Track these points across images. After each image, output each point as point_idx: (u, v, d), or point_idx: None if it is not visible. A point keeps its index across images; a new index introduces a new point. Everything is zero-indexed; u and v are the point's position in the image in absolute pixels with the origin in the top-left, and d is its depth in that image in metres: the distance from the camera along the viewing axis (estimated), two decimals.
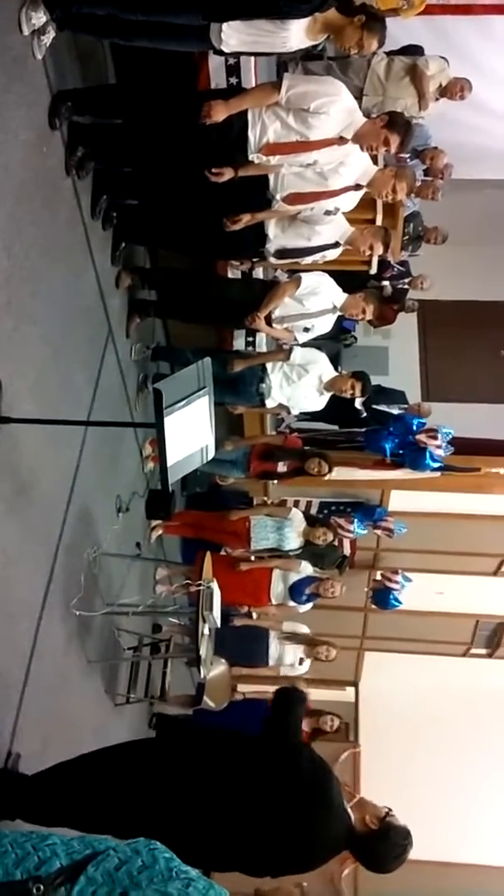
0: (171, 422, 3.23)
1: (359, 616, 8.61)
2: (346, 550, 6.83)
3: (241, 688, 6.45)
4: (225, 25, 3.42)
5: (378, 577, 7.49)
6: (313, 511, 7.07)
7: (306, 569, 5.87)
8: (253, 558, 5.97)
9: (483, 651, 9.36)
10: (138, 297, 5.22)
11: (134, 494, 5.18)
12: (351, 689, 9.58)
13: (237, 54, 3.91)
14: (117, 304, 4.96)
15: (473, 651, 9.33)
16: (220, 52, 3.60)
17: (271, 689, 6.74)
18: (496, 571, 8.31)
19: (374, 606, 7.71)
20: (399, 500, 7.33)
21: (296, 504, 6.76)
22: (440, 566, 8.05)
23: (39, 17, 3.34)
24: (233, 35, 3.44)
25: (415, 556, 7.81)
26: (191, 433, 3.45)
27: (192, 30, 3.46)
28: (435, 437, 6.09)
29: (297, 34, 3.49)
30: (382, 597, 7.25)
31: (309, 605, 5.98)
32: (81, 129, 3.84)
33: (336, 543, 6.28)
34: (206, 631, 4.62)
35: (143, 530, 5.75)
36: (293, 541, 5.90)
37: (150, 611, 5.15)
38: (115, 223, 4.55)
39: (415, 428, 6.22)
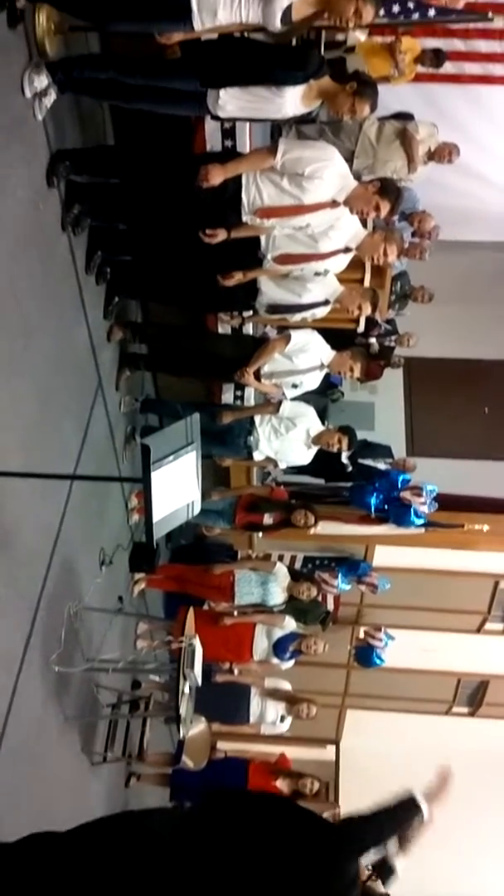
0: (158, 477, 3.23)
1: (341, 673, 8.51)
2: (330, 606, 6.79)
3: (222, 745, 6.33)
4: (222, 91, 3.51)
5: (361, 634, 7.42)
6: (297, 565, 7.04)
7: (290, 624, 5.82)
8: (236, 613, 5.91)
9: (465, 710, 9.26)
10: (129, 351, 5.25)
11: (118, 547, 5.14)
12: (332, 748, 9.42)
13: (233, 119, 3.99)
14: (108, 357, 4.99)
15: (455, 710, 9.23)
16: (217, 118, 3.68)
17: (252, 747, 6.71)
18: (479, 629, 8.28)
19: (356, 664, 7.62)
20: (383, 556, 7.31)
21: (280, 558, 6.73)
22: (423, 623, 8.01)
23: (42, 81, 3.42)
24: (230, 101, 3.53)
25: (398, 613, 7.77)
26: (177, 488, 3.44)
27: (190, 95, 3.55)
28: (419, 495, 6.10)
29: (292, 101, 3.58)
30: (365, 654, 7.17)
31: (292, 662, 5.91)
32: (78, 187, 3.90)
33: (320, 599, 6.24)
34: (187, 689, 4.54)
35: (125, 583, 5.69)
36: (277, 596, 5.85)
37: (131, 667, 5.06)
38: (109, 278, 4.60)
39: (400, 484, 6.23)
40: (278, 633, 5.77)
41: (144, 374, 5.63)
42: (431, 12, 5.56)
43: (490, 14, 5.43)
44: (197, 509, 3.57)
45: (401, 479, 6.26)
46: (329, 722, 8.95)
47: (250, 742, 6.82)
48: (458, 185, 6.89)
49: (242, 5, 3.09)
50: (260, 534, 6.40)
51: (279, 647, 5.76)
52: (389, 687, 8.65)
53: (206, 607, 6.00)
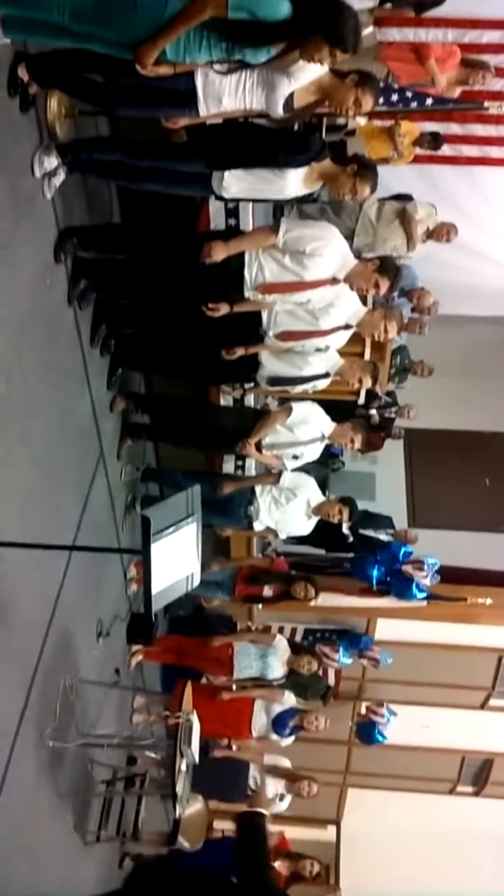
0: (157, 549, 3.21)
1: (342, 750, 8.32)
2: (331, 680, 6.69)
3: (219, 824, 6.14)
4: (227, 173, 3.63)
5: (363, 709, 7.29)
6: (298, 638, 6.95)
7: (289, 700, 5.71)
8: (235, 687, 5.81)
9: (469, 789, 9.02)
10: (131, 421, 5.30)
11: (115, 618, 5.09)
12: (332, 828, 9.14)
13: (237, 200, 4.11)
14: (110, 426, 5.03)
15: (460, 789, 8.99)
16: (221, 198, 3.79)
17: None
18: (483, 705, 8.12)
19: (358, 740, 7.46)
20: (385, 629, 7.23)
21: (280, 630, 6.64)
22: (426, 699, 7.87)
23: (51, 161, 3.54)
24: (234, 183, 3.64)
25: (400, 688, 7.64)
26: (177, 560, 3.43)
27: (195, 176, 3.66)
28: (421, 569, 6.08)
29: (294, 182, 3.70)
30: (367, 731, 7.03)
31: (291, 739, 5.79)
32: (85, 263, 4.00)
33: (321, 673, 6.15)
34: (184, 767, 4.44)
35: (122, 655, 5.61)
36: (277, 669, 5.77)
37: (126, 743, 4.96)
38: (113, 350, 4.67)
39: (401, 557, 6.21)
40: (278, 709, 5.66)
41: (146, 443, 5.67)
42: (429, 101, 5.79)
43: (485, 103, 5.67)
44: (196, 582, 3.54)
45: (402, 551, 6.24)
46: (330, 801, 8.71)
47: None
48: (456, 262, 7.04)
49: (246, 93, 3.22)
50: (260, 605, 6.34)
51: (279, 723, 5.65)
52: (392, 765, 8.44)
53: (204, 681, 5.89)
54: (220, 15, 2.85)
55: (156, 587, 3.28)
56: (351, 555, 6.74)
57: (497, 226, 7.25)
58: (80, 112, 3.83)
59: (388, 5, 5.37)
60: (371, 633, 7.22)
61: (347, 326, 4.49)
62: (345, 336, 4.59)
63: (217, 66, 3.06)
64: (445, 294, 6.79)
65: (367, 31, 5.24)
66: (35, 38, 3.18)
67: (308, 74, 3.19)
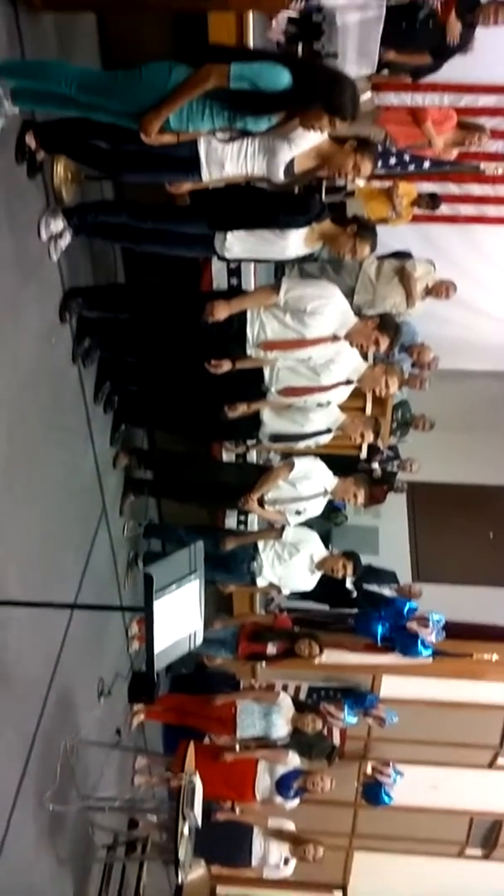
0: (160, 607, 3.20)
1: (348, 812, 8.11)
2: (336, 739, 6.56)
3: (222, 890, 5.99)
4: (229, 235, 3.71)
5: (369, 769, 7.14)
6: (302, 696, 6.85)
7: (294, 760, 5.60)
8: (238, 747, 5.70)
9: (478, 852, 8.76)
10: (134, 476, 5.31)
11: (117, 676, 5.04)
12: (339, 893, 8.86)
13: (240, 260, 4.19)
14: (113, 482, 5.04)
15: (469, 852, 8.73)
16: (224, 258, 3.87)
17: (255, 891, 6.33)
18: (491, 764, 7.94)
19: (364, 802, 7.30)
20: (390, 686, 7.12)
21: (284, 688, 6.54)
22: (433, 758, 7.70)
23: (58, 224, 3.62)
24: (236, 244, 3.72)
25: (406, 747, 7.48)
26: (179, 618, 3.40)
27: (198, 238, 3.74)
28: (426, 625, 6.02)
29: (295, 243, 3.78)
30: (373, 792, 6.88)
31: (296, 801, 5.66)
32: (90, 322, 4.06)
33: (325, 732, 6.05)
34: (186, 830, 4.34)
35: (124, 714, 5.53)
36: (281, 728, 5.67)
37: (128, 806, 4.86)
38: (116, 407, 4.71)
39: (406, 613, 6.15)
40: (282, 770, 5.54)
41: (148, 499, 5.67)
42: (426, 164, 5.93)
43: (481, 165, 5.80)
44: (199, 640, 3.52)
45: (407, 607, 6.19)
46: (336, 865, 8.46)
47: (252, 886, 6.44)
48: (455, 318, 7.12)
49: (248, 159, 3.30)
50: (263, 663, 6.26)
51: (283, 785, 5.53)
52: (399, 827, 8.22)
53: (206, 741, 5.79)
54: (222, 85, 2.95)
55: (158, 646, 3.26)
56: (355, 610, 6.67)
57: (495, 282, 7.36)
58: (86, 177, 3.93)
59: (386, 71, 5.53)
60: (376, 690, 7.11)
61: (348, 382, 4.53)
62: (346, 391, 4.63)
63: (219, 134, 3.15)
64: (445, 349, 6.84)
65: (366, 96, 5.40)
66: (43, 108, 3.28)
67: (308, 141, 3.28)
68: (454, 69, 5.60)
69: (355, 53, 4.91)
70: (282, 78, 2.96)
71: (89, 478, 4.60)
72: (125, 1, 3.50)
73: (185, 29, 3.94)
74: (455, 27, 5.08)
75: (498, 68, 5.88)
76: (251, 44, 4.00)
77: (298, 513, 5.07)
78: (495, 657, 7.00)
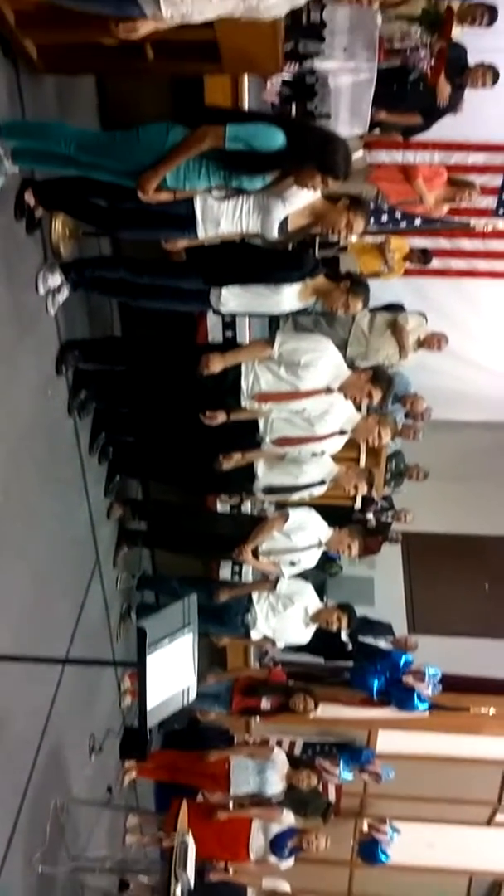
0: (153, 661, 3.16)
1: (344, 871, 7.91)
2: (332, 796, 6.45)
3: None
4: (224, 290, 3.76)
5: (365, 827, 6.99)
6: (297, 751, 6.74)
7: (288, 819, 5.48)
8: (232, 805, 5.58)
9: None
10: (128, 527, 5.29)
11: (109, 732, 4.95)
12: None
13: (235, 314, 4.24)
14: (107, 533, 5.03)
15: None
16: (219, 313, 3.92)
17: None
18: (489, 821, 7.79)
19: (360, 860, 7.13)
20: (386, 741, 7.01)
21: (278, 743, 6.45)
22: (430, 815, 7.55)
23: (55, 279, 3.67)
24: (231, 299, 3.77)
25: (403, 804, 7.35)
26: (173, 673, 3.37)
27: (194, 293, 3.80)
28: (422, 679, 5.96)
29: (289, 298, 3.83)
30: (370, 849, 6.72)
31: (291, 861, 5.52)
32: (85, 374, 4.09)
33: (321, 788, 5.93)
34: (179, 892, 4.22)
35: (115, 771, 5.41)
36: (275, 785, 5.56)
37: (119, 867, 4.73)
38: (111, 458, 4.72)
39: (402, 666, 6.09)
40: (276, 829, 5.41)
41: (142, 550, 5.64)
42: (418, 221, 6.05)
43: (471, 221, 5.92)
44: (192, 696, 3.47)
45: (403, 660, 6.13)
46: None
47: None
48: (447, 369, 7.19)
49: (243, 217, 3.37)
50: (257, 718, 6.17)
51: (277, 844, 5.40)
52: (396, 886, 8.00)
53: (199, 798, 5.67)
54: (217, 146, 3.02)
55: (151, 702, 3.21)
56: (350, 663, 6.61)
57: (486, 334, 7.44)
58: (84, 233, 3.99)
59: (377, 131, 5.67)
60: (372, 745, 7.01)
61: (342, 432, 4.55)
62: (340, 441, 4.65)
63: (215, 193, 3.22)
64: (438, 400, 6.91)
65: (358, 154, 5.52)
66: (43, 167, 3.35)
67: (302, 199, 3.36)
68: (444, 128, 5.74)
69: (347, 114, 5.04)
70: (276, 139, 3.04)
71: (83, 529, 4.59)
72: (124, 64, 3.59)
73: (182, 91, 4.06)
74: (445, 89, 5.22)
75: (487, 127, 6.03)
76: (246, 105, 4.11)
77: (293, 564, 5.04)
78: (492, 711, 6.92)
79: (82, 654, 4.39)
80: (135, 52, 3.33)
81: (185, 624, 3.39)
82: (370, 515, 6.95)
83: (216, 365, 3.92)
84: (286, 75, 4.80)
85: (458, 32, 5.19)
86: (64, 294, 3.73)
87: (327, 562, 7.23)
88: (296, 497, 4.91)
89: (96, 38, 3.14)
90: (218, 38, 3.25)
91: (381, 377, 4.15)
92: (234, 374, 4.06)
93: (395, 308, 6.33)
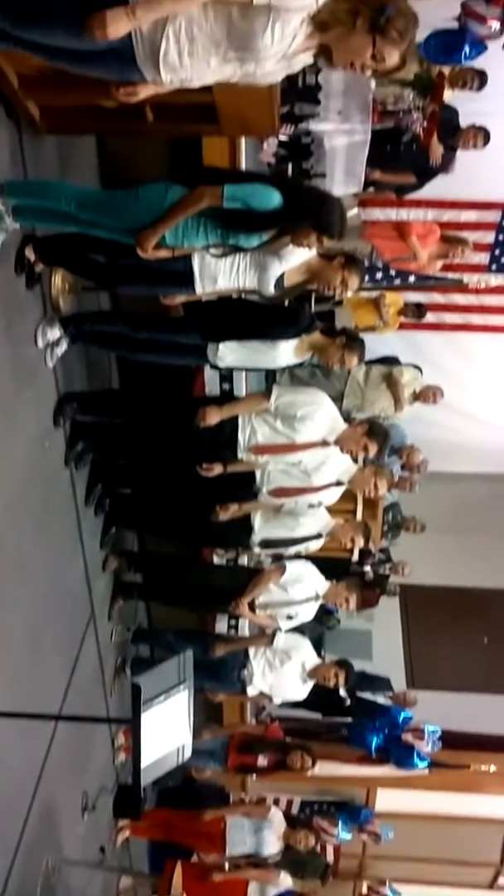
0: (148, 718, 3.12)
1: None
2: (330, 857, 6.30)
3: None
4: (221, 345, 3.81)
5: (364, 888, 6.81)
6: (294, 811, 6.62)
7: (285, 881, 5.33)
8: (227, 866, 5.44)
9: None
10: (123, 579, 5.26)
11: (102, 790, 4.85)
12: None
13: (232, 369, 4.29)
14: (102, 586, 4.99)
15: None
16: (216, 367, 3.96)
17: None
18: (492, 884, 7.59)
19: None
20: (385, 800, 6.88)
21: (275, 802, 6.33)
22: (431, 876, 7.36)
23: (54, 333, 3.72)
24: (228, 353, 3.82)
25: (403, 865, 7.17)
26: (168, 730, 3.31)
27: (191, 348, 3.84)
28: (421, 737, 5.87)
29: (285, 353, 3.88)
30: None
31: None
32: (83, 426, 4.11)
33: (318, 849, 5.79)
34: None
35: (108, 830, 5.29)
36: (272, 845, 5.42)
37: None
38: (108, 509, 4.71)
39: (401, 723, 6.01)
40: (273, 892, 5.26)
41: (138, 602, 5.60)
42: (412, 278, 6.16)
43: (464, 278, 6.02)
44: (188, 754, 3.41)
45: (402, 716, 6.05)
46: None
47: None
48: (442, 421, 7.24)
49: (240, 274, 3.43)
50: (254, 776, 6.06)
51: None
52: None
53: (194, 859, 5.54)
54: (215, 205, 3.09)
55: (145, 760, 3.16)
56: (349, 720, 6.51)
57: (481, 386, 7.52)
58: (83, 288, 4.05)
59: (371, 189, 5.80)
60: (371, 804, 6.87)
61: (339, 483, 4.55)
62: (337, 493, 4.65)
63: (213, 250, 3.27)
64: (434, 451, 6.93)
65: (353, 212, 5.65)
66: (44, 224, 3.42)
67: (297, 257, 3.42)
68: (437, 187, 5.89)
69: (342, 174, 5.17)
70: (273, 198, 3.10)
71: (78, 581, 4.56)
72: (124, 125, 3.68)
73: (181, 152, 4.15)
74: (437, 150, 5.36)
75: (478, 186, 6.19)
76: (243, 165, 4.21)
77: (290, 617, 5.00)
78: (493, 768, 6.80)
79: (76, 710, 4.32)
80: (135, 113, 3.42)
81: (181, 680, 3.35)
82: (368, 568, 6.92)
83: (213, 417, 3.95)
84: (283, 136, 4.92)
85: (450, 96, 5.35)
86: (62, 347, 3.77)
87: (325, 615, 7.17)
88: (292, 551, 4.90)
89: (97, 99, 3.23)
90: (216, 102, 3.34)
91: (376, 431, 4.17)
92: (230, 426, 4.09)
93: (390, 361, 6.39)
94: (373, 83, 4.98)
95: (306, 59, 2.53)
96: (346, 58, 2.43)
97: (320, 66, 4.88)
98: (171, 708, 3.27)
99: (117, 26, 2.27)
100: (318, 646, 5.69)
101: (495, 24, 4.79)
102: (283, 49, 2.39)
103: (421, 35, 5.04)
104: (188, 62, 2.42)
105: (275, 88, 3.35)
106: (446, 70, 5.25)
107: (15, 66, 3.17)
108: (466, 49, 4.98)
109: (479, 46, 5.01)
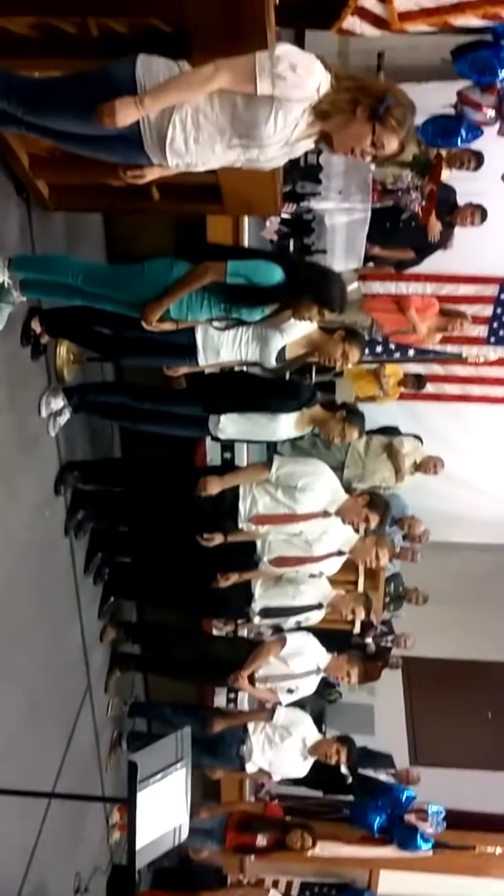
0: (144, 798, 3.04)
1: None
2: None
3: None
4: (223, 417, 3.85)
5: None
6: (294, 893, 6.38)
7: None
8: None
9: None
10: (121, 651, 5.19)
11: (96, 870, 4.69)
12: None
13: (233, 441, 4.32)
14: (99, 657, 4.92)
15: None
16: (217, 439, 3.99)
17: None
18: None
19: None
20: (389, 882, 6.62)
21: (274, 884, 6.11)
22: None
23: (58, 402, 3.76)
24: (229, 425, 3.86)
25: None
26: (164, 810, 3.23)
27: (193, 419, 3.89)
28: (425, 819, 5.70)
29: (286, 426, 3.92)
30: None
31: None
32: (84, 494, 4.12)
33: None
34: None
35: None
36: None
37: None
38: (107, 579, 4.69)
39: (404, 801, 5.84)
40: None
41: (135, 674, 5.51)
42: (411, 352, 6.25)
43: (463, 352, 6.11)
44: (184, 834, 3.32)
45: (405, 795, 5.88)
46: None
47: None
48: (443, 491, 7.22)
49: (242, 346, 3.49)
50: (252, 856, 5.87)
51: None
52: None
53: None
54: (219, 280, 3.16)
55: (140, 841, 3.07)
56: (350, 798, 6.34)
57: (481, 457, 7.53)
58: (88, 359, 4.11)
59: (371, 264, 5.93)
60: (373, 887, 6.62)
61: (340, 553, 4.53)
62: (338, 562, 4.63)
63: (216, 323, 3.33)
64: (435, 522, 6.91)
65: (353, 286, 5.76)
66: (50, 298, 3.49)
67: (299, 330, 3.48)
68: (436, 261, 6.01)
69: (343, 250, 5.29)
70: (275, 274, 3.18)
71: (75, 652, 4.50)
72: (131, 204, 3.79)
73: (186, 228, 4.27)
74: (435, 227, 5.49)
75: (476, 261, 6.31)
76: (246, 242, 4.31)
77: (290, 691, 4.91)
78: (499, 850, 6.57)
79: (70, 786, 4.21)
80: (141, 192, 3.52)
81: (178, 759, 3.28)
82: (369, 640, 6.83)
83: (214, 487, 3.96)
84: (285, 214, 5.06)
85: (448, 175, 5.51)
86: (65, 416, 3.81)
87: (326, 687, 7.06)
88: (292, 622, 4.85)
89: (105, 178, 3.34)
90: (220, 183, 3.45)
91: (377, 502, 4.17)
92: (231, 496, 4.09)
93: (390, 431, 6.43)
94: (372, 164, 5.13)
95: (308, 144, 2.62)
96: (346, 144, 2.52)
97: (321, 148, 5.05)
98: (168, 787, 3.19)
99: (126, 115, 2.36)
100: (319, 720, 5.59)
101: (490, 112, 4.95)
102: (285, 136, 2.48)
103: (419, 119, 5.23)
104: (194, 148, 2.51)
105: (277, 170, 3.45)
106: (444, 151, 5.42)
107: (26, 146, 3.29)
108: (463, 133, 5.14)
109: (476, 131, 5.17)
